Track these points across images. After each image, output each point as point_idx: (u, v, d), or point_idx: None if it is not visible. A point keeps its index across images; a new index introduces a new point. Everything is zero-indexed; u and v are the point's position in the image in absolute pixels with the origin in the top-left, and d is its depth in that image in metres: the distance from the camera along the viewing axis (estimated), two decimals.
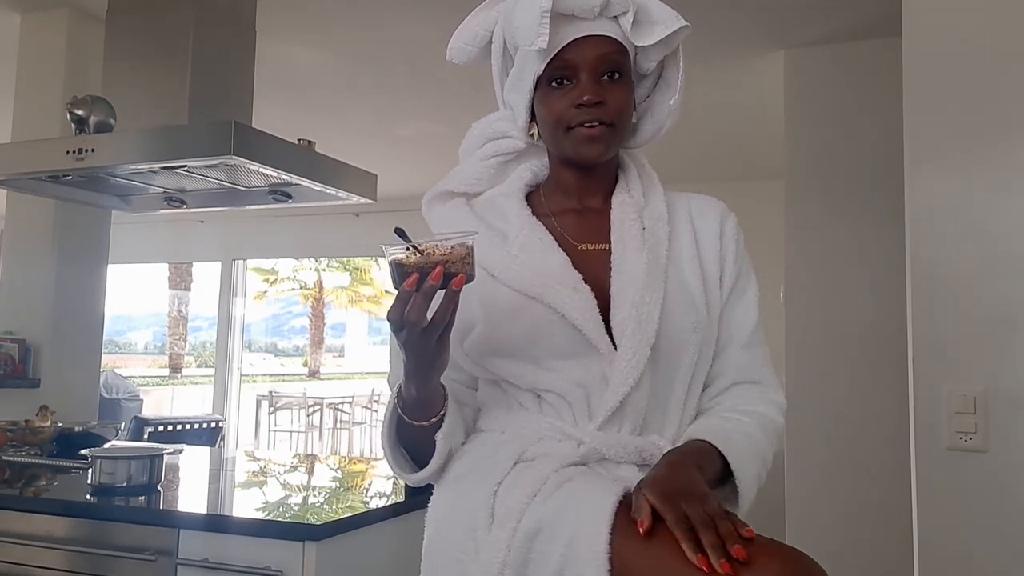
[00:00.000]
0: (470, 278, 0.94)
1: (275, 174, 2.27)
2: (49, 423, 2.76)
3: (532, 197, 1.17)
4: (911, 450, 1.76)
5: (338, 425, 10.87)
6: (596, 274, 1.07)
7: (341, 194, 2.49)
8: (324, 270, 19.70)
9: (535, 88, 1.10)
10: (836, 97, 3.49)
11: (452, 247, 0.93)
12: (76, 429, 2.75)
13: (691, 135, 5.07)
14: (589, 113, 1.05)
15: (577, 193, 1.15)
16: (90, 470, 2.12)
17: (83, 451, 2.18)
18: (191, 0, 2.37)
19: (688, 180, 5.72)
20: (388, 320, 0.93)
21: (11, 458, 2.53)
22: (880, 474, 3.17)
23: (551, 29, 1.03)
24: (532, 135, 1.15)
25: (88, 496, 2.04)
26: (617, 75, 1.07)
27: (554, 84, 1.08)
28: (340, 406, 10.90)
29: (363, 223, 6.81)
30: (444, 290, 0.92)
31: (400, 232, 0.95)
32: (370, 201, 2.58)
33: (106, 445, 2.64)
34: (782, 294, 3.62)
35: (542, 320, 1.03)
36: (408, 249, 0.93)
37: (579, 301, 1.03)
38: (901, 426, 1.92)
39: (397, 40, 3.55)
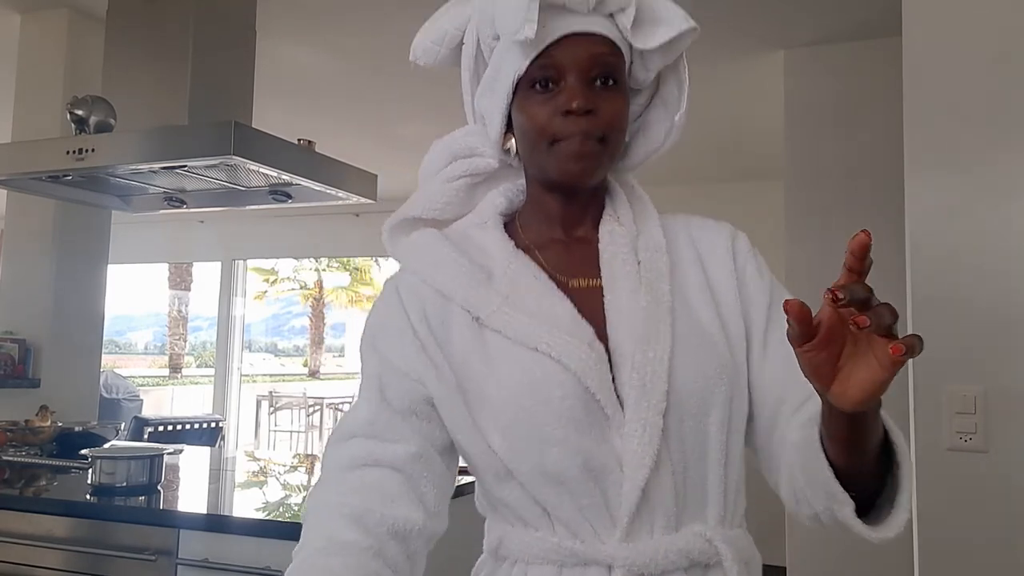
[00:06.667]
0: None
1: (275, 174, 2.27)
2: (49, 423, 2.76)
3: (508, 228, 0.98)
4: (911, 450, 1.76)
5: None
6: (594, 318, 0.89)
7: (341, 194, 2.50)
8: (324, 270, 19.66)
9: (514, 92, 0.91)
10: (836, 97, 3.49)
11: None
12: (76, 429, 2.75)
13: (690, 135, 5.04)
14: (577, 124, 0.87)
15: (560, 222, 0.96)
16: (90, 470, 2.13)
17: (83, 451, 2.18)
18: (191, 0, 2.37)
19: (688, 181, 5.72)
20: None
21: (11, 458, 2.53)
22: None
23: (538, 21, 0.85)
24: (508, 149, 0.97)
25: (88, 496, 2.04)
26: (611, 81, 0.89)
27: (537, 87, 0.89)
28: (340, 406, 10.87)
29: (363, 223, 6.80)
30: None
31: None
32: (370, 201, 2.59)
33: (106, 445, 2.64)
34: None
35: (550, 378, 0.85)
36: None
37: (593, 361, 0.85)
38: (901, 426, 1.91)
39: (397, 40, 3.50)
